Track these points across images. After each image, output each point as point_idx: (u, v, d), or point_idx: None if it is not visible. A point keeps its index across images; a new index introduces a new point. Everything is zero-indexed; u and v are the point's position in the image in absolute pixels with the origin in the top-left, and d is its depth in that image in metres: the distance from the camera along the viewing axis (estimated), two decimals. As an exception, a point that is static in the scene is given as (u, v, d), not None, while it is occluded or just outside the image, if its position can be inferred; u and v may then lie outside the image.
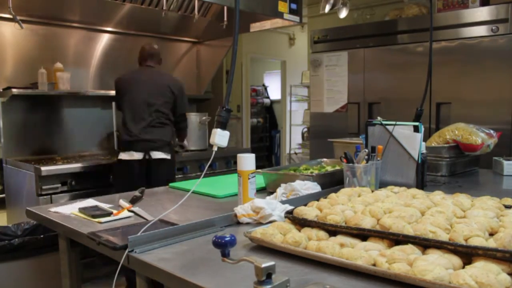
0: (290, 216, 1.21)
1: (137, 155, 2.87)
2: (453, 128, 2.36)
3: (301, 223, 1.17)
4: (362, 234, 1.07)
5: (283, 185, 1.70)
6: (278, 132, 8.16)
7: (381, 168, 1.75)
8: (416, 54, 3.36)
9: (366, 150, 1.67)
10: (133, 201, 1.71)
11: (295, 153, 6.67)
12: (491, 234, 1.02)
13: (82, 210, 1.57)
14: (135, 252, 1.13)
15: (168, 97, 3.03)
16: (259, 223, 1.34)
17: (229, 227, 1.37)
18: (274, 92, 8.47)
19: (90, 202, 1.73)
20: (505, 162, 2.28)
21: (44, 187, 2.82)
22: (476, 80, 3.06)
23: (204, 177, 1.72)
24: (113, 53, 3.86)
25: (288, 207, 1.37)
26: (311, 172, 1.88)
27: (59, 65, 3.40)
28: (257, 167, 1.63)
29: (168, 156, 2.95)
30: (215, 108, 1.39)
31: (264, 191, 1.91)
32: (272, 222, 1.27)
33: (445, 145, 2.29)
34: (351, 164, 1.65)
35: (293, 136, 6.89)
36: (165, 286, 1.08)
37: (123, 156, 2.89)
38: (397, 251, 0.94)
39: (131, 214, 1.55)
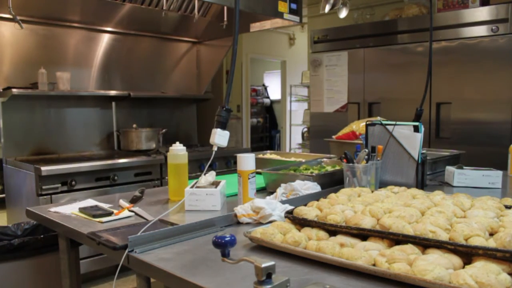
0: (290, 216, 1.21)
1: None
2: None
3: (301, 223, 1.17)
4: (362, 234, 1.07)
5: (283, 185, 1.70)
6: (278, 132, 8.16)
7: (381, 168, 1.75)
8: (416, 54, 3.36)
9: (366, 150, 1.67)
10: (133, 201, 1.71)
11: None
12: (491, 234, 1.02)
13: (82, 210, 1.57)
14: (135, 252, 1.13)
15: None
16: (259, 223, 1.34)
17: (229, 227, 1.37)
18: (274, 92, 8.47)
19: (90, 202, 1.72)
20: (456, 171, 1.95)
21: (44, 187, 2.81)
22: (476, 80, 3.06)
23: (204, 177, 1.72)
24: (113, 53, 3.86)
25: (288, 207, 1.37)
26: (311, 172, 1.88)
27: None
28: (257, 167, 1.62)
29: None
30: (215, 108, 1.39)
31: (264, 191, 1.90)
32: (272, 222, 1.27)
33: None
34: (351, 164, 1.65)
35: (293, 136, 6.89)
36: (165, 286, 1.08)
37: None
38: (397, 251, 0.94)
39: (131, 214, 1.55)
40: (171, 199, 1.78)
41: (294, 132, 6.84)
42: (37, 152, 3.41)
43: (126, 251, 1.13)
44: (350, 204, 1.25)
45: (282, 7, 2.94)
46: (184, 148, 1.80)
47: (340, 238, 1.06)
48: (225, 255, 0.88)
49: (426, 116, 3.24)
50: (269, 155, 2.44)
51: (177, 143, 1.82)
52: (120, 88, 3.91)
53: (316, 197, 1.50)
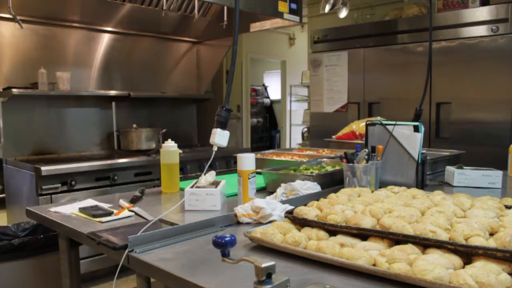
0: (290, 216, 1.21)
1: None
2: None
3: (301, 223, 1.17)
4: (362, 234, 1.07)
5: (283, 185, 1.70)
6: (278, 132, 8.16)
7: (381, 168, 1.75)
8: (416, 54, 3.36)
9: (366, 150, 1.67)
10: (133, 201, 1.71)
11: (295, 153, 6.66)
12: (491, 234, 1.02)
13: (82, 210, 1.57)
14: (135, 252, 1.13)
15: None
16: (259, 223, 1.34)
17: (229, 227, 1.37)
18: (274, 92, 8.48)
19: (90, 202, 1.72)
20: (456, 171, 1.95)
21: (44, 187, 2.81)
22: (476, 80, 3.06)
23: (204, 177, 1.72)
24: (113, 53, 3.86)
25: (288, 207, 1.37)
26: (311, 172, 1.88)
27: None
28: (257, 167, 1.62)
29: None
30: (215, 108, 1.39)
31: (264, 191, 1.90)
32: (272, 222, 1.27)
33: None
34: (351, 164, 1.65)
35: (293, 136, 6.89)
36: (165, 286, 1.08)
37: None
38: (397, 251, 0.94)
39: (131, 214, 1.55)
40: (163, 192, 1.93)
41: (294, 132, 6.85)
42: (37, 152, 3.41)
43: (126, 251, 1.13)
44: (350, 204, 1.25)
45: (282, 7, 2.94)
46: (176, 145, 1.96)
47: (340, 238, 1.06)
48: (225, 255, 0.88)
49: (426, 116, 3.23)
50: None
51: (169, 140, 1.98)
52: (120, 88, 3.91)
53: (316, 197, 1.50)
